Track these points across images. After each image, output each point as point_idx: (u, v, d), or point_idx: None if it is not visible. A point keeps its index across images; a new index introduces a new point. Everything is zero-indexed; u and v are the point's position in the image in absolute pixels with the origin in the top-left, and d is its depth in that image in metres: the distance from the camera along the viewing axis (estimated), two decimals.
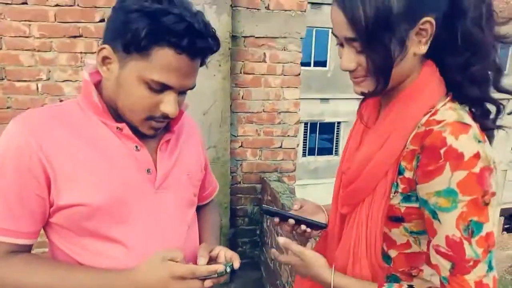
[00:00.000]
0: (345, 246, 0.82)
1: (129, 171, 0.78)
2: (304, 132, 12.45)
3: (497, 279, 0.70)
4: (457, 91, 0.72)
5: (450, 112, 0.67)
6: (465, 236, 0.65)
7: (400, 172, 0.71)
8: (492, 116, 0.73)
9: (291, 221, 0.92)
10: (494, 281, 0.67)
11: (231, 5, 2.36)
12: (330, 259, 0.84)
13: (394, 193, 0.73)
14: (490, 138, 0.72)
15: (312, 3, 10.87)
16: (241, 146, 2.66)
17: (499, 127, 0.75)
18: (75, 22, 2.24)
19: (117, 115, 0.78)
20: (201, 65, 0.78)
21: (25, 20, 2.19)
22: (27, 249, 0.76)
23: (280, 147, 2.71)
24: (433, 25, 0.66)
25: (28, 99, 2.29)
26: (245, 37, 2.50)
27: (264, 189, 2.65)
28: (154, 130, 0.79)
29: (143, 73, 0.70)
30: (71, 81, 2.32)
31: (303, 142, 12.51)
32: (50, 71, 2.29)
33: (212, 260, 0.80)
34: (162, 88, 0.72)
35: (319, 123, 12.41)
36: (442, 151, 0.63)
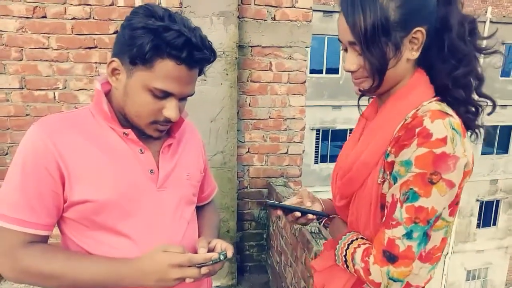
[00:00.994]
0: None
1: (134, 172, 0.86)
2: (316, 139, 12.45)
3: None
4: (444, 94, 0.80)
5: (435, 105, 0.77)
6: (401, 199, 0.74)
7: (386, 158, 0.79)
8: (473, 116, 0.81)
9: (297, 213, 0.96)
10: (409, 249, 0.74)
11: (238, 17, 2.46)
12: None
13: (382, 179, 0.80)
14: (477, 137, 0.82)
15: (324, 11, 10.97)
16: (248, 151, 2.74)
17: (480, 126, 0.82)
18: (90, 34, 2.38)
19: (125, 121, 0.87)
20: (199, 74, 0.87)
21: (44, 33, 2.34)
22: (45, 240, 0.84)
23: (286, 153, 2.78)
24: (423, 35, 0.76)
25: (45, 107, 2.43)
26: (252, 46, 2.59)
27: (271, 194, 2.72)
28: (159, 132, 0.88)
29: (148, 82, 0.79)
30: (86, 89, 2.44)
31: (315, 149, 12.51)
32: (66, 80, 2.42)
33: (210, 251, 0.87)
34: (165, 95, 0.81)
35: (331, 130, 12.40)
36: (417, 130, 0.72)
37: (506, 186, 13.77)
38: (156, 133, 0.88)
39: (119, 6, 2.39)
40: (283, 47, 2.62)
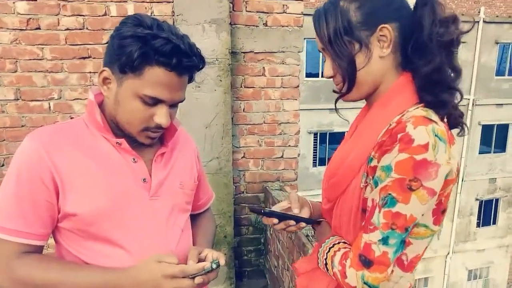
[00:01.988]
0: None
1: (127, 181, 0.87)
2: (314, 142, 12.48)
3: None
4: (426, 96, 0.79)
5: (420, 111, 0.76)
6: (379, 204, 0.74)
7: (369, 163, 0.79)
8: (456, 112, 0.81)
9: (291, 222, 0.95)
10: (384, 256, 0.73)
11: (230, 23, 2.49)
12: None
13: (365, 183, 0.80)
14: (463, 131, 0.82)
15: None
16: (244, 156, 2.76)
17: (462, 127, 0.82)
18: (84, 44, 2.40)
19: (118, 130, 0.88)
20: (189, 81, 0.88)
21: (38, 44, 2.36)
22: (39, 250, 0.85)
23: (282, 157, 2.80)
24: (390, 31, 0.78)
25: (41, 118, 2.44)
26: (244, 52, 2.61)
27: (267, 198, 2.73)
28: (151, 139, 0.89)
29: (138, 90, 0.80)
30: (81, 99, 2.46)
31: (313, 152, 12.53)
32: (61, 91, 2.43)
33: (201, 261, 0.87)
34: (155, 102, 0.82)
35: (329, 133, 12.43)
36: (399, 136, 0.71)
37: (505, 184, 13.79)
38: (148, 140, 0.89)
39: (112, 16, 2.42)
40: (275, 52, 2.65)
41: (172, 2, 2.43)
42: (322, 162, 12.68)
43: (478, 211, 13.76)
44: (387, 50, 0.80)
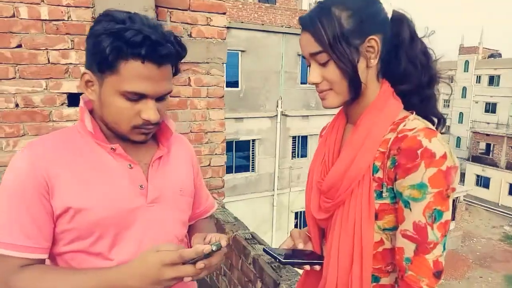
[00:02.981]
0: (334, 260, 0.87)
1: (123, 187, 0.85)
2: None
3: None
4: (407, 102, 0.87)
5: (417, 122, 0.81)
6: (429, 222, 0.76)
7: (373, 172, 0.82)
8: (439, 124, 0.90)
9: (307, 266, 0.96)
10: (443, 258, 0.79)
11: None
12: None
13: (378, 188, 0.82)
14: (443, 124, 0.91)
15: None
16: None
17: (438, 113, 0.90)
18: None
19: (112, 135, 0.86)
20: (175, 73, 0.86)
21: None
22: (38, 263, 0.80)
23: (209, 165, 2.85)
24: (378, 43, 0.82)
25: None
26: None
27: None
28: (144, 136, 0.86)
29: (118, 87, 0.79)
30: None
31: None
32: None
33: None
34: (138, 97, 0.80)
35: (235, 142, 12.74)
36: (419, 151, 0.75)
37: None
38: (142, 137, 0.86)
39: (21, 19, 2.20)
40: (200, 63, 2.70)
41: (93, 7, 2.31)
42: (229, 170, 12.90)
43: None
44: (375, 61, 0.83)
